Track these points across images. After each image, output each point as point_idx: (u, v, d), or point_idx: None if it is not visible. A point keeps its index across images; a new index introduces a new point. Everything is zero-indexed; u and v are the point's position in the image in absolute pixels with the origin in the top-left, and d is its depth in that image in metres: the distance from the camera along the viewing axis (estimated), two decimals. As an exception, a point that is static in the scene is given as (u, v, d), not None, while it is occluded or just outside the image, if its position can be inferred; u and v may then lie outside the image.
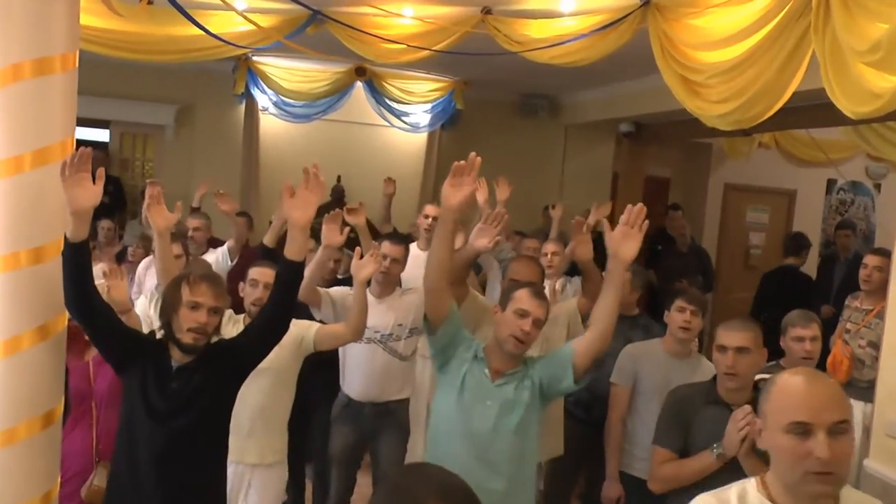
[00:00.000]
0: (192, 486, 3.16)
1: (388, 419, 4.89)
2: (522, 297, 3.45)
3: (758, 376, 3.78)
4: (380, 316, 4.78)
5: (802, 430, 1.90)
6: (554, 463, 5.08)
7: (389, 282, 4.87)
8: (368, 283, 4.40)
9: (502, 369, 3.45)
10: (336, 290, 4.72)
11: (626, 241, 3.29)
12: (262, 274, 4.18)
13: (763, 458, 3.13)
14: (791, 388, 1.98)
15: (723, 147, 10.60)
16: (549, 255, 5.88)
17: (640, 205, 3.27)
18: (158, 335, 3.26)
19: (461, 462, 3.12)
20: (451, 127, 10.19)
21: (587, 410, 4.95)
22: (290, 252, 3.20)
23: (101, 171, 3.04)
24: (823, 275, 8.81)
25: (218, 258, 6.08)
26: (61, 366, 3.33)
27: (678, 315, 4.38)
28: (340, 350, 4.86)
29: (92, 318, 3.11)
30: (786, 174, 11.00)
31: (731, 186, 11.42)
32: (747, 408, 3.14)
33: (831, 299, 7.66)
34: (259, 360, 3.36)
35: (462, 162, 3.40)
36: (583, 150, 10.84)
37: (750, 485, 2.06)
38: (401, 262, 4.86)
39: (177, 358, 3.19)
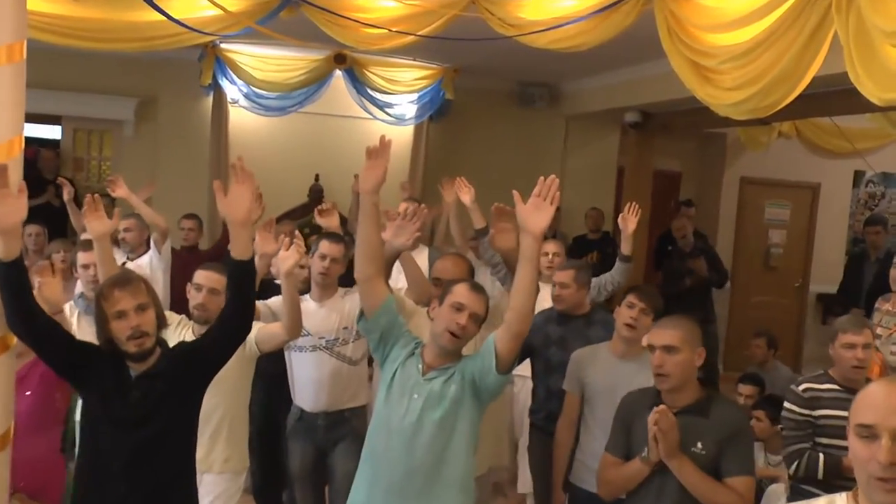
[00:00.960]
0: (164, 493, 3.32)
1: (342, 429, 4.93)
2: (460, 291, 3.60)
3: (803, 385, 4.22)
4: (322, 320, 4.86)
5: (868, 433, 1.97)
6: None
7: (330, 283, 4.93)
8: (303, 283, 4.67)
9: (434, 364, 3.60)
10: (274, 301, 4.81)
11: (535, 213, 3.38)
12: (206, 278, 4.39)
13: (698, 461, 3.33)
14: (868, 391, 2.06)
15: (739, 138, 10.64)
16: (549, 256, 5.87)
17: (552, 176, 3.38)
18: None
19: (388, 457, 3.51)
20: (440, 118, 10.18)
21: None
22: (236, 251, 3.33)
23: (22, 185, 3.11)
24: (852, 275, 8.82)
25: (142, 263, 6.48)
26: (10, 386, 3.33)
27: (626, 311, 4.47)
28: (287, 360, 4.97)
29: (38, 336, 3.21)
30: (809, 166, 11.06)
31: (749, 180, 11.46)
32: (662, 408, 3.33)
33: (861, 301, 7.67)
34: (221, 362, 3.52)
35: (375, 145, 3.75)
36: (585, 143, 10.87)
37: (840, 498, 2.13)
38: (340, 261, 4.92)
39: (134, 367, 3.32)
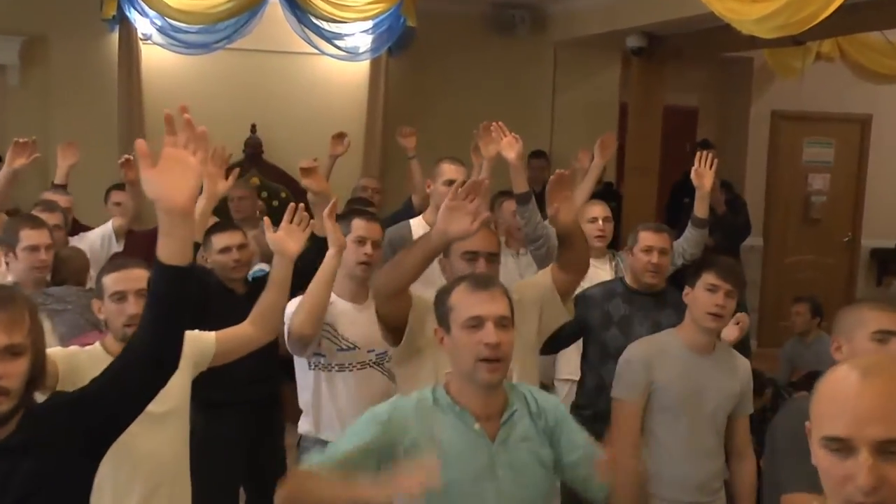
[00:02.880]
0: None
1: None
2: (469, 299, 3.18)
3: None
4: (369, 327, 4.37)
5: (840, 446, 1.88)
6: None
7: (368, 277, 4.63)
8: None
9: (488, 411, 3.19)
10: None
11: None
12: (137, 280, 3.84)
13: None
14: (833, 388, 1.95)
15: (767, 63, 10.64)
16: (599, 221, 5.82)
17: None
18: None
19: None
20: (401, 51, 10.13)
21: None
22: (165, 251, 2.67)
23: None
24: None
25: (95, 244, 6.12)
26: None
27: (706, 296, 4.31)
28: (313, 381, 4.60)
29: None
30: (856, 95, 11.08)
31: (782, 114, 11.50)
32: None
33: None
34: (131, 415, 2.91)
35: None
36: (579, 76, 10.83)
37: None
38: (381, 247, 4.77)
39: None
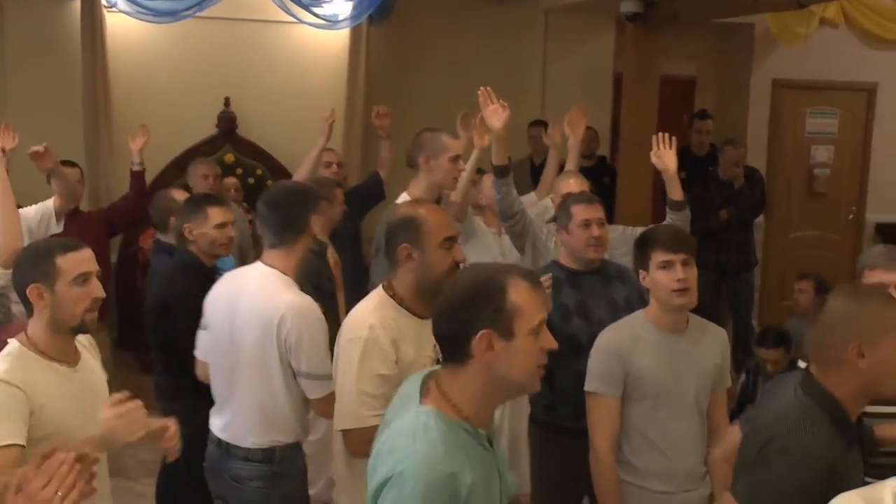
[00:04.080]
0: None
1: None
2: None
3: None
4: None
5: None
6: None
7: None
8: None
9: None
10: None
11: None
12: (93, 260, 3.71)
13: None
14: None
15: (769, 29, 10.65)
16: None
17: None
18: None
19: None
20: (382, 19, 10.07)
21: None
22: None
23: None
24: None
25: (32, 224, 6.02)
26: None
27: (664, 274, 4.26)
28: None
29: None
30: (861, 62, 11.13)
31: (784, 83, 11.42)
32: None
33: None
34: None
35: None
36: (571, 44, 10.79)
37: None
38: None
39: None
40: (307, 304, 4.27)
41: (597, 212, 4.96)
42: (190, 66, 9.72)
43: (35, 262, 3.63)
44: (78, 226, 6.80)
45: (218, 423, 4.51)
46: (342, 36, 10.02)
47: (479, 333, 2.71)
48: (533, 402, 5.11)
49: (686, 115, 10.88)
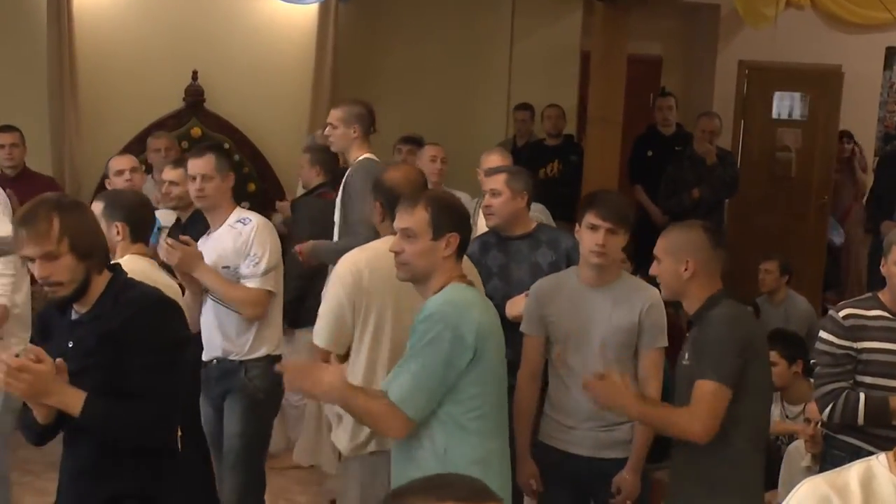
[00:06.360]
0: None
1: None
2: None
3: (845, 311, 4.48)
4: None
5: None
6: None
7: None
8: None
9: None
10: None
11: None
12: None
13: None
14: None
15: (736, 9, 10.49)
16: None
17: None
18: None
19: None
20: None
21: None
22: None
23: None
24: (884, 179, 8.90)
25: None
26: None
27: (588, 235, 4.56)
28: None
29: None
30: (828, 45, 11.09)
31: (750, 65, 11.47)
32: None
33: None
34: None
35: None
36: (538, 22, 10.74)
37: (878, 463, 2.15)
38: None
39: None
40: None
41: (495, 183, 5.35)
42: (158, 39, 9.66)
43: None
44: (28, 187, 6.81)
45: None
46: (311, 11, 10.00)
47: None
48: None
49: (653, 94, 10.88)
